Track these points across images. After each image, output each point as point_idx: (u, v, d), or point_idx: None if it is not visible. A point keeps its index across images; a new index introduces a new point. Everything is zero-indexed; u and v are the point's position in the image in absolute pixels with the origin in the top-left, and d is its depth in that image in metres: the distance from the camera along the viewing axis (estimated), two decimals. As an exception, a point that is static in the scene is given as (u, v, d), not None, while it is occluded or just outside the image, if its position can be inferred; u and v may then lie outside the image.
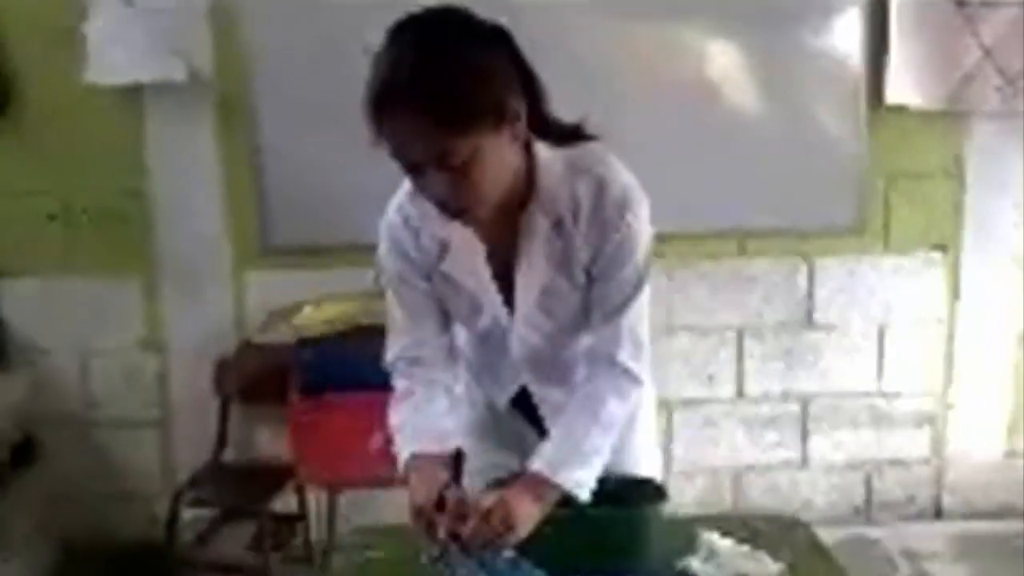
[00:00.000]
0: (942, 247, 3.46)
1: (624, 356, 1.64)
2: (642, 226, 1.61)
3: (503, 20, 1.51)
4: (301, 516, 3.18)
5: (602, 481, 1.66)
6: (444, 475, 1.63)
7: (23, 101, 3.19)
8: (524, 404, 1.81)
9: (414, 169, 1.46)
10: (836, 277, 3.45)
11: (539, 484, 1.58)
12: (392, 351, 1.77)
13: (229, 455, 3.29)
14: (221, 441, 3.26)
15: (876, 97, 3.27)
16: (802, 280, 3.45)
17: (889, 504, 3.63)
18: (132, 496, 3.42)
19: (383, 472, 2.94)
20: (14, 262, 3.29)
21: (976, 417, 3.57)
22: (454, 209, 1.49)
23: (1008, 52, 3.20)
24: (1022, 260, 3.47)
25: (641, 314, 1.66)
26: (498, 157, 1.46)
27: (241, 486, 3.14)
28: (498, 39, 1.49)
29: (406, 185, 1.64)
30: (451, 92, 1.39)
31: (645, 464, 1.84)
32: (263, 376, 3.17)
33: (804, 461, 3.58)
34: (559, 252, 1.61)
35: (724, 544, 1.66)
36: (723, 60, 3.24)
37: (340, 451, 2.97)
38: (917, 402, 3.56)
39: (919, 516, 3.63)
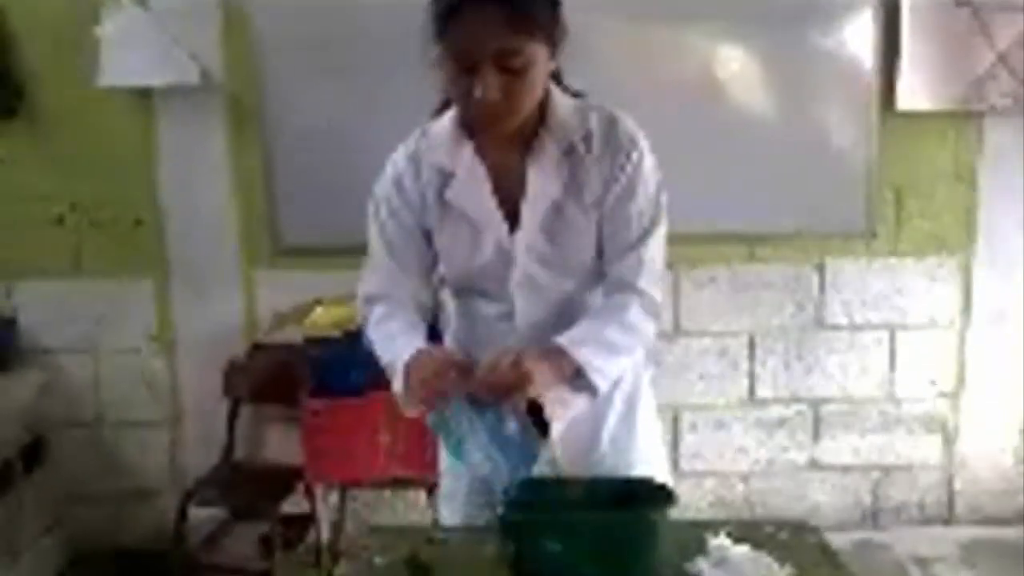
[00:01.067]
0: (953, 251, 3.44)
1: (644, 283, 1.70)
2: (652, 163, 1.71)
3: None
4: (310, 517, 3.18)
5: (610, 483, 1.67)
6: (452, 355, 1.65)
7: (35, 104, 3.21)
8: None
9: (471, 68, 1.55)
10: (847, 281, 3.44)
11: (557, 353, 1.62)
12: (366, 288, 1.80)
13: (238, 456, 3.30)
14: (230, 442, 3.27)
15: (888, 101, 3.26)
16: (813, 284, 3.44)
17: (899, 509, 3.61)
18: (141, 497, 3.43)
19: (393, 472, 2.98)
20: (25, 264, 3.31)
21: (987, 422, 3.56)
22: (493, 114, 1.58)
23: (1021, 56, 3.19)
24: (1034, 263, 3.45)
25: (659, 251, 1.72)
26: (543, 71, 1.60)
27: (250, 487, 3.15)
28: None
29: (416, 132, 1.75)
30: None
31: (650, 466, 1.84)
32: (273, 377, 3.17)
33: (814, 464, 3.57)
34: (568, 175, 1.69)
35: (733, 548, 1.65)
36: (734, 64, 3.23)
37: (350, 452, 2.97)
38: (928, 407, 3.55)
39: (929, 521, 3.61)
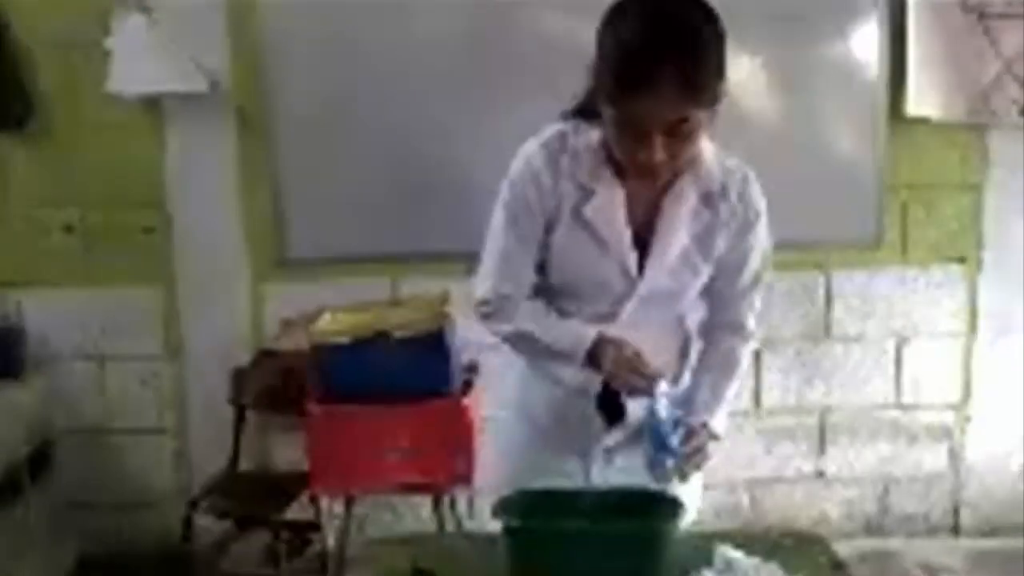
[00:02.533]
0: (961, 260, 3.44)
1: (752, 323, 1.90)
2: (767, 220, 1.82)
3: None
4: (316, 525, 3.18)
5: (617, 494, 1.67)
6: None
7: (45, 114, 3.22)
8: (605, 403, 1.85)
9: (636, 133, 1.58)
10: (854, 290, 3.43)
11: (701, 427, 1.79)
12: (499, 287, 1.83)
13: (244, 464, 3.30)
14: (236, 450, 3.27)
15: (895, 110, 3.26)
16: (819, 293, 3.44)
17: (905, 518, 3.60)
18: (148, 504, 3.43)
19: (399, 480, 2.98)
20: (33, 272, 3.32)
21: (994, 432, 3.54)
22: (650, 169, 1.62)
23: (1028, 64, 3.19)
24: (1042, 274, 3.45)
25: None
26: (706, 129, 1.63)
27: (256, 495, 3.15)
28: (715, 12, 1.61)
29: (549, 130, 1.76)
30: (706, 69, 1.55)
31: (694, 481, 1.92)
32: (279, 385, 3.17)
33: (820, 474, 3.56)
34: (702, 226, 1.76)
35: (740, 558, 1.65)
36: (741, 71, 3.23)
37: (356, 460, 2.97)
38: (935, 416, 3.54)
39: (935, 531, 3.60)
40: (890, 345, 3.49)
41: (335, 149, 3.21)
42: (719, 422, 1.85)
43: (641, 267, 1.77)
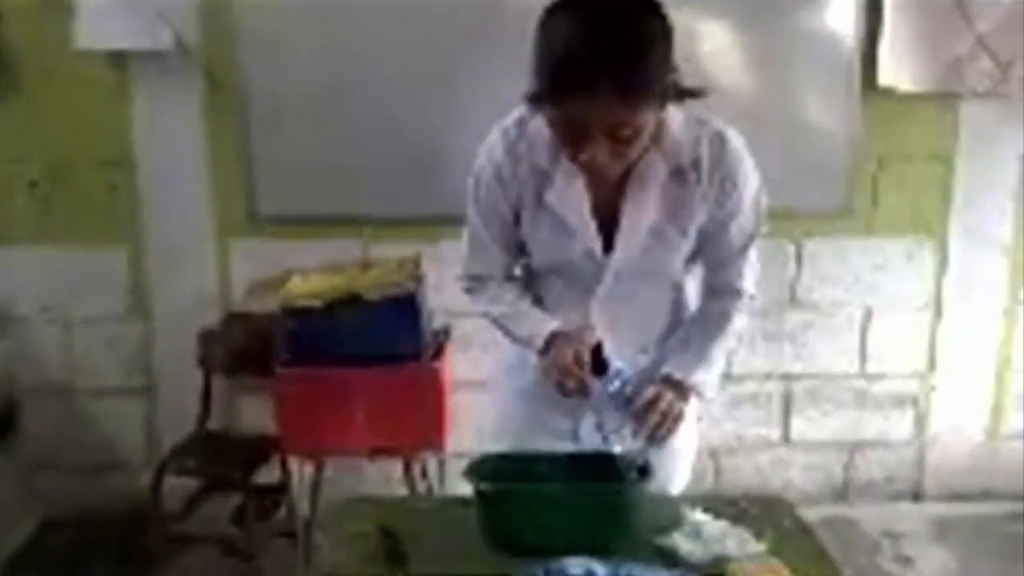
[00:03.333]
0: (929, 231, 3.46)
1: (747, 285, 1.86)
2: (754, 171, 1.76)
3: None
4: (285, 488, 3.18)
5: (587, 457, 1.68)
6: (586, 339, 1.76)
7: (10, 70, 3.14)
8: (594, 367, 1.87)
9: (580, 131, 1.53)
10: (823, 259, 3.45)
11: (677, 385, 1.81)
12: (472, 268, 1.91)
13: (213, 425, 3.29)
14: (205, 411, 3.25)
15: (868, 81, 3.25)
16: (789, 261, 3.45)
17: (870, 485, 3.65)
18: (115, 466, 3.42)
19: (368, 444, 2.97)
20: (-3, 229, 3.27)
21: (958, 400, 3.60)
22: (599, 169, 1.59)
23: (1001, 38, 3.19)
24: (1008, 245, 3.48)
25: (755, 250, 1.84)
26: (651, 127, 1.58)
27: (225, 457, 3.13)
28: (661, 7, 1.57)
29: (513, 114, 1.74)
30: (647, 72, 1.49)
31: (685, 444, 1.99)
32: (248, 346, 3.15)
33: (786, 440, 3.60)
34: (675, 200, 1.72)
35: (708, 522, 1.66)
36: (715, 41, 3.22)
37: (324, 423, 2.96)
38: (900, 384, 3.58)
39: (899, 497, 3.66)
40: (857, 314, 3.51)
41: (305, 108, 3.17)
42: (703, 379, 1.84)
43: (612, 246, 1.76)
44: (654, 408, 1.75)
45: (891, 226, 3.44)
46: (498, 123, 1.77)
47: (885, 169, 3.40)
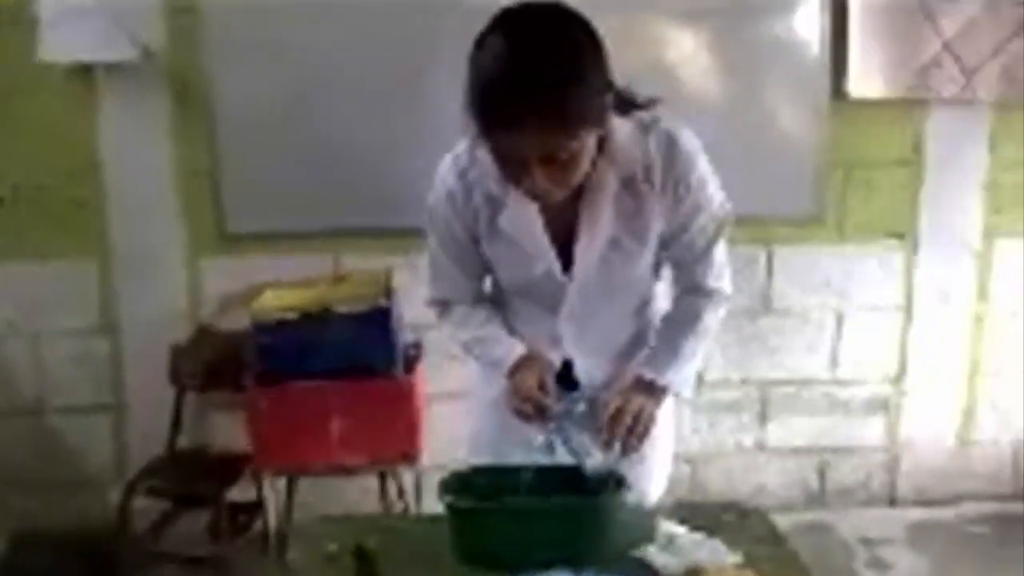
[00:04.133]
0: (899, 236, 3.49)
1: (714, 282, 1.84)
2: (709, 169, 1.74)
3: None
4: (258, 504, 3.15)
5: (560, 470, 1.67)
6: (549, 364, 1.80)
7: (-28, 81, 3.11)
8: (565, 381, 1.87)
9: (516, 162, 1.51)
10: (794, 265, 3.47)
11: (648, 386, 1.80)
12: (436, 293, 1.93)
13: (184, 442, 3.25)
14: (176, 428, 3.21)
15: (836, 87, 3.28)
16: (760, 267, 3.47)
17: (844, 490, 3.67)
18: (85, 484, 3.37)
19: (342, 459, 2.95)
20: (-38, 245, 3.22)
21: (931, 405, 3.62)
22: (542, 195, 1.57)
23: (967, 44, 3.23)
24: (977, 249, 3.51)
25: (722, 246, 1.82)
26: (591, 148, 1.55)
27: (197, 474, 3.10)
28: (589, 27, 1.53)
29: (464, 142, 1.71)
30: (573, 100, 1.45)
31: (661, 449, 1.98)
32: (219, 362, 3.12)
33: (760, 446, 3.61)
34: (629, 211, 1.70)
35: (682, 533, 1.66)
36: (683, 49, 3.23)
37: (298, 438, 2.94)
38: (872, 389, 3.60)
39: (874, 502, 3.67)
40: (829, 319, 3.53)
41: (274, 120, 3.15)
42: (675, 378, 1.83)
43: (571, 264, 1.75)
44: (620, 418, 1.75)
45: (861, 232, 3.46)
46: (451, 151, 1.76)
47: (854, 175, 3.42)
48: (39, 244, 3.23)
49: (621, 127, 1.66)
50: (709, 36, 3.22)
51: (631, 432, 1.75)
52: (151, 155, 3.20)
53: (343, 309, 2.89)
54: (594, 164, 1.61)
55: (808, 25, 3.25)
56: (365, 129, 3.14)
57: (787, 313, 3.51)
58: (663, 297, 1.94)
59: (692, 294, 1.86)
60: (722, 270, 1.84)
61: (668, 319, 1.89)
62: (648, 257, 1.78)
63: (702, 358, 1.92)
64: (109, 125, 3.18)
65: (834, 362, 3.57)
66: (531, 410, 1.73)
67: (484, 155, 1.64)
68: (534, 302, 1.84)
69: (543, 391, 1.74)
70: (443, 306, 1.92)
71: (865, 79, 3.25)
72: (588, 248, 1.72)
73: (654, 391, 1.81)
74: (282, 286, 3.08)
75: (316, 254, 3.24)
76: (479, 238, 1.78)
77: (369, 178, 3.15)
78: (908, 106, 3.34)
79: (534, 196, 1.60)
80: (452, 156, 1.75)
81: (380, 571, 1.54)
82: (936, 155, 3.42)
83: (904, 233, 3.48)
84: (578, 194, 1.66)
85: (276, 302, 2.97)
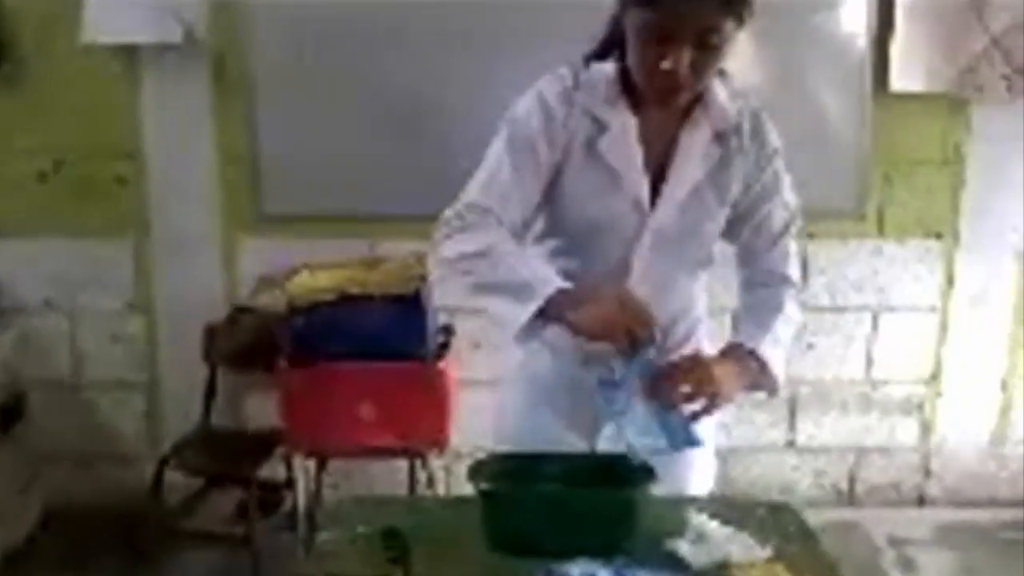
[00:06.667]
0: (938, 235, 3.44)
1: (793, 271, 1.83)
2: (783, 167, 1.81)
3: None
4: (288, 485, 3.17)
5: (591, 459, 1.66)
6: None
7: (19, 60, 3.14)
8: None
9: (666, 40, 1.54)
10: (832, 262, 3.44)
11: (740, 354, 1.73)
12: (474, 197, 1.70)
13: (217, 421, 3.28)
14: (208, 407, 3.25)
15: (880, 82, 3.24)
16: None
17: (875, 490, 3.64)
18: (118, 459, 3.42)
19: (372, 442, 2.97)
20: (5, 221, 3.26)
21: (964, 407, 3.58)
22: (676, 87, 1.59)
23: (1015, 41, 3.17)
24: (1019, 250, 3.46)
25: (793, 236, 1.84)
26: (729, 49, 1.60)
27: (228, 453, 3.13)
28: None
29: (562, 69, 1.73)
30: None
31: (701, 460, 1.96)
32: (253, 342, 3.15)
33: (791, 445, 3.59)
34: (715, 163, 1.73)
35: (713, 527, 1.65)
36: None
37: (328, 420, 2.96)
38: (906, 389, 3.57)
39: (904, 503, 3.64)
40: (865, 317, 3.50)
41: (314, 104, 3.16)
42: (774, 354, 1.75)
43: (654, 203, 1.73)
44: (691, 373, 1.61)
45: (900, 229, 3.43)
46: (541, 79, 1.74)
47: (896, 172, 3.38)
48: (78, 221, 3.28)
49: (719, 85, 1.72)
50: (753, 29, 3.15)
51: (695, 395, 1.61)
52: (191, 136, 3.23)
53: (377, 293, 2.91)
54: (692, 107, 1.69)
55: (853, 19, 3.21)
56: (405, 113, 3.14)
57: (822, 309, 3.48)
58: (700, 299, 1.90)
59: (770, 282, 1.84)
60: (797, 263, 1.85)
61: (750, 307, 1.85)
62: (720, 220, 1.78)
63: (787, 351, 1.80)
64: (151, 105, 3.21)
65: (868, 361, 3.53)
66: (639, 326, 1.54)
67: (592, 77, 1.70)
68: (596, 258, 1.74)
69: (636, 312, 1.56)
70: (475, 213, 1.67)
71: (910, 74, 3.21)
72: (676, 186, 1.72)
73: (748, 365, 1.73)
74: (317, 268, 3.09)
75: (352, 238, 3.25)
76: (561, 167, 1.72)
77: (407, 163, 3.15)
78: (952, 103, 3.30)
79: (666, 83, 1.58)
80: (555, 76, 1.73)
81: (410, 554, 1.55)
82: (979, 154, 3.37)
83: (943, 232, 3.44)
84: (673, 137, 1.71)
85: (310, 284, 2.98)
